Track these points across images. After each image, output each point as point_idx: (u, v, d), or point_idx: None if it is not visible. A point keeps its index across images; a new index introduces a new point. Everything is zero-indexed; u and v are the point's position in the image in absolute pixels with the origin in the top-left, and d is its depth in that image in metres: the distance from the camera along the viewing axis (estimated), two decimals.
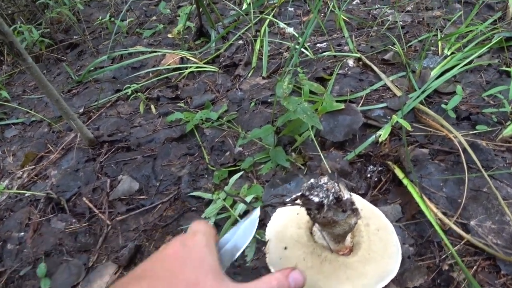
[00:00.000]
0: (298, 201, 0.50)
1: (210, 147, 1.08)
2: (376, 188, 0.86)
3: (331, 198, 0.47)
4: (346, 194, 0.50)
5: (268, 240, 0.61)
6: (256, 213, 0.49)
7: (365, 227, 0.60)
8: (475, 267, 0.68)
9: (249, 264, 0.76)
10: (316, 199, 0.47)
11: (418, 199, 0.76)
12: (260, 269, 0.75)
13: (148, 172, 1.06)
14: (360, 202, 0.65)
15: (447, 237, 0.70)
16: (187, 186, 0.97)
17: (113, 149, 1.18)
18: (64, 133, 1.35)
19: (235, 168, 0.97)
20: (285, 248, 0.58)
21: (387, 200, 0.83)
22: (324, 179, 0.49)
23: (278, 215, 0.66)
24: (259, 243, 0.80)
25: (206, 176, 1.00)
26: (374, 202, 0.83)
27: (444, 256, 0.70)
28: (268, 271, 0.57)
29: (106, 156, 1.17)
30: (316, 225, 0.59)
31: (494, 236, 0.69)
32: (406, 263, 0.70)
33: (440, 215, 0.74)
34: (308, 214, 0.51)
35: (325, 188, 0.48)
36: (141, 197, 1.00)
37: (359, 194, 0.77)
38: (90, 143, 1.19)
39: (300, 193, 0.50)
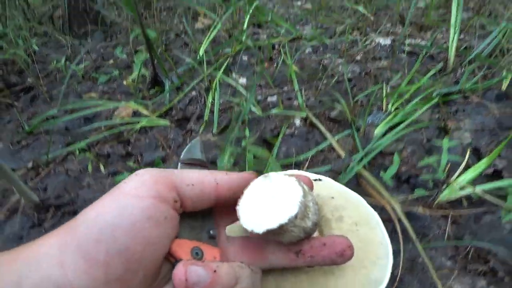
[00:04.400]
0: None
1: None
2: None
3: None
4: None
5: None
6: None
7: (337, 222, 0.41)
8: None
9: None
10: None
11: None
12: None
13: None
14: (332, 188, 0.46)
15: None
16: None
17: (60, 214, 1.13)
18: (9, 191, 1.29)
19: None
20: None
21: None
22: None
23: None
24: None
25: None
26: None
27: None
28: None
29: (52, 221, 1.12)
30: None
31: None
32: None
33: None
34: None
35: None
36: None
37: None
38: (36, 207, 1.14)
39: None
